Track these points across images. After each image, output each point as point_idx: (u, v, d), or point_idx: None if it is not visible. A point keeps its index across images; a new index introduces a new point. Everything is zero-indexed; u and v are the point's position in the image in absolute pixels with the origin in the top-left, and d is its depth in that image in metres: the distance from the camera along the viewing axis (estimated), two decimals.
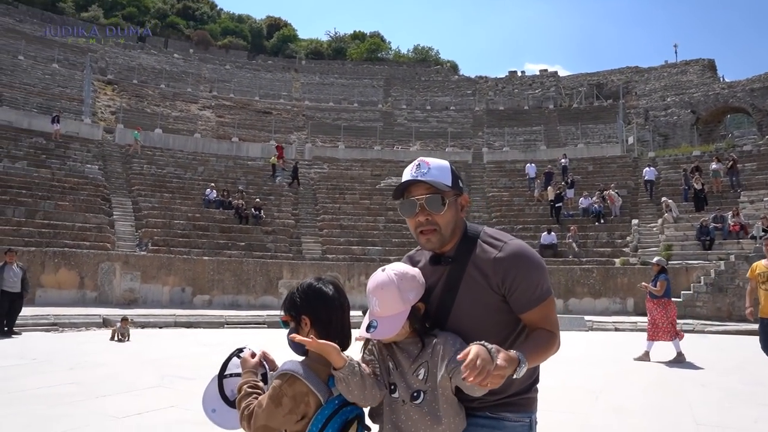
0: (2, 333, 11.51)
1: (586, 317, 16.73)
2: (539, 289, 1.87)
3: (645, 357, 9.62)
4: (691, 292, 17.56)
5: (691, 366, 9.27)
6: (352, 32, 65.86)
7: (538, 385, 2.01)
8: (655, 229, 22.04)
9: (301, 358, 1.91)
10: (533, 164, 27.25)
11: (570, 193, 24.90)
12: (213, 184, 24.73)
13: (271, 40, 60.21)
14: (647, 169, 25.17)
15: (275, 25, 62.53)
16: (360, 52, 59.49)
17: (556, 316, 1.93)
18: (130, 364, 8.63)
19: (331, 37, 65.01)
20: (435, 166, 1.95)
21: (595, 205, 23.22)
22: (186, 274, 18.54)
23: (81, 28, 44.72)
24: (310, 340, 1.80)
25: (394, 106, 42.33)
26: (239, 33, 58.41)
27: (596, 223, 22.78)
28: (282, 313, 1.99)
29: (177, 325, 14.68)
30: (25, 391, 6.36)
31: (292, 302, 1.95)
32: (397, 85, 46.87)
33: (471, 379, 1.55)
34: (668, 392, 7.16)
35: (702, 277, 17.78)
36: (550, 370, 8.68)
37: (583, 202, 23.79)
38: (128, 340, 11.40)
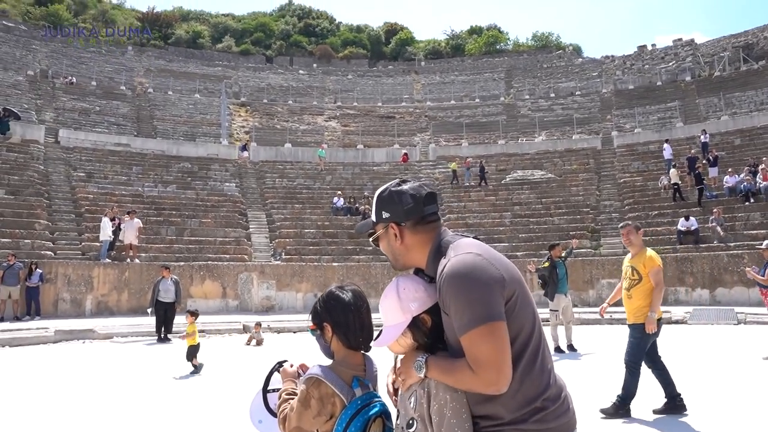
0: (160, 339, 12.96)
1: (737, 309, 15.21)
2: (463, 317, 1.68)
3: None
4: None
5: None
6: (468, 28, 65.41)
7: (549, 414, 1.75)
8: None
9: (329, 362, 2.07)
10: (669, 144, 25.22)
11: (713, 171, 22.75)
12: (340, 192, 25.75)
13: (390, 46, 61.43)
14: None
15: (392, 30, 63.69)
16: (478, 46, 58.78)
17: (486, 355, 1.66)
18: (254, 366, 9.31)
19: (448, 35, 64.96)
20: (373, 204, 2.00)
21: (744, 183, 20.99)
22: (317, 280, 19.51)
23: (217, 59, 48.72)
24: None
25: (517, 98, 41.31)
26: (359, 42, 60.26)
27: (746, 203, 20.59)
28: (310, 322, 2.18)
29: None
30: (163, 392, 7.15)
31: (315, 311, 2.12)
32: (518, 75, 45.72)
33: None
34: None
35: None
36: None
37: (728, 180, 21.61)
38: (261, 344, 12.29)
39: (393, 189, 1.94)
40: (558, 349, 10.22)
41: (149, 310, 13.56)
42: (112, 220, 18.34)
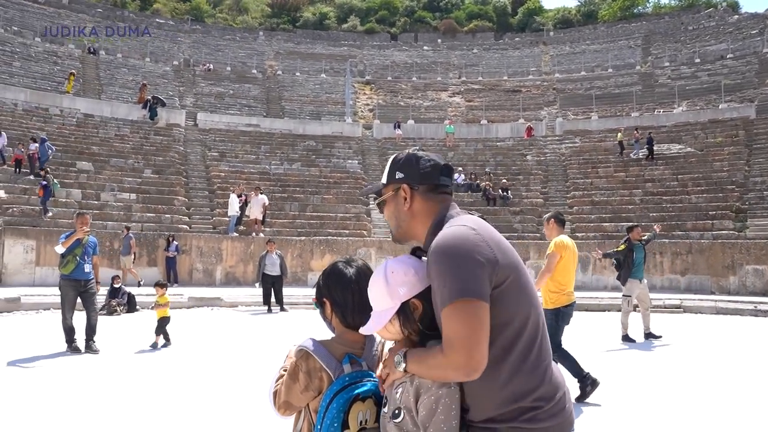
0: (269, 311, 13.58)
1: None
2: (442, 290, 1.57)
3: None
4: None
5: None
6: None
7: (540, 413, 1.62)
8: None
9: (329, 336, 1.98)
10: None
11: None
12: (461, 168, 25.34)
13: (517, 17, 59.19)
14: None
15: (519, 0, 61.17)
16: (613, 11, 54.81)
17: (456, 333, 1.53)
18: None
19: (579, 1, 61.20)
20: (386, 168, 1.91)
21: None
22: None
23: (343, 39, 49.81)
24: None
25: (655, 65, 38.06)
26: (484, 15, 58.63)
27: None
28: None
29: None
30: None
31: (317, 286, 2.01)
32: (657, 41, 42.07)
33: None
34: None
35: None
36: None
37: None
38: None
39: (410, 153, 1.86)
40: (627, 338, 9.52)
41: (256, 284, 14.30)
42: (239, 196, 19.44)
